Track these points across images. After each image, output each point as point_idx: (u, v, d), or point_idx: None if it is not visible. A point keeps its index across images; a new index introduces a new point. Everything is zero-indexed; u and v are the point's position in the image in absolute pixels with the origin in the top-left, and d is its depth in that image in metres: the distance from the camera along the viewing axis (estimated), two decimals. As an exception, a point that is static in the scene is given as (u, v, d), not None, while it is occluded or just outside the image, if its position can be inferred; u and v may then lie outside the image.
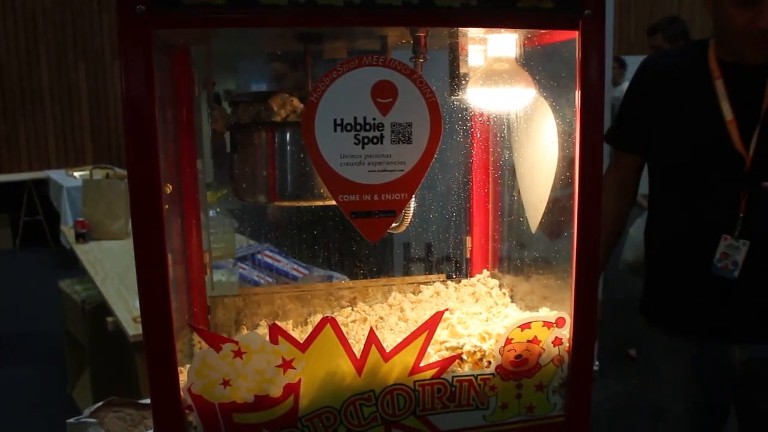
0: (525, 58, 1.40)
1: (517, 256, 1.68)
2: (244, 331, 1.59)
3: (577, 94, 1.28)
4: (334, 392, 1.25)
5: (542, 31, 1.37)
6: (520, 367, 1.32)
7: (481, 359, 1.32)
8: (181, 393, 1.20)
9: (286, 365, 1.21)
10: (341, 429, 1.26)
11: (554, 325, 1.33)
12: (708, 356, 2.00)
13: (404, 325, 1.53)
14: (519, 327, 1.31)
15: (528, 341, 1.31)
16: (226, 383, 1.20)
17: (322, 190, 1.33)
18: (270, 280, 2.99)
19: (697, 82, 1.92)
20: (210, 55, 1.50)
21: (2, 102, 8.54)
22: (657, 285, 2.13)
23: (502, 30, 1.33)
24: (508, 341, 1.30)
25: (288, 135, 1.35)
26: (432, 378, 1.28)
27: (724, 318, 1.95)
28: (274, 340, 1.21)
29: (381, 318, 1.59)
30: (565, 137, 1.36)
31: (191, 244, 1.55)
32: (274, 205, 1.45)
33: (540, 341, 1.32)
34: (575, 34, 1.26)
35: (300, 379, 1.22)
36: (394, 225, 1.32)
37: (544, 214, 1.45)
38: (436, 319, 1.27)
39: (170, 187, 1.29)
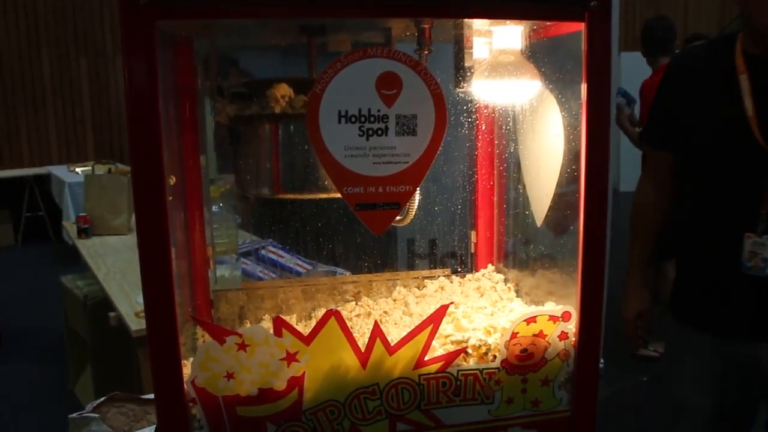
0: (531, 51, 1.39)
1: (523, 251, 1.67)
2: (248, 325, 1.59)
3: (583, 86, 1.27)
4: (338, 386, 1.24)
5: (548, 22, 1.36)
6: (525, 362, 1.31)
7: (486, 353, 1.31)
8: (185, 386, 1.20)
9: (290, 358, 1.21)
10: (345, 422, 1.26)
11: (560, 319, 1.32)
12: (739, 355, 1.97)
13: (409, 320, 1.53)
14: (525, 321, 1.30)
15: (534, 335, 1.31)
16: (230, 376, 1.19)
17: (326, 183, 1.33)
18: (273, 275, 2.98)
19: (723, 77, 1.90)
20: (213, 47, 1.49)
21: (3, 97, 8.53)
22: (687, 284, 2.09)
23: (508, 21, 1.32)
24: (514, 335, 1.30)
25: (292, 127, 1.34)
26: (437, 372, 1.28)
27: (758, 316, 1.93)
28: (278, 333, 1.20)
29: (385, 312, 1.59)
30: (570, 130, 1.35)
31: (194, 237, 1.55)
32: (264, 195, 1.43)
33: (546, 335, 1.31)
34: (581, 26, 1.25)
35: (304, 372, 1.22)
36: (398, 218, 1.31)
37: (550, 208, 1.44)
38: (441, 312, 1.27)
39: (174, 178, 1.28)
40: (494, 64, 1.36)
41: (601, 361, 4.10)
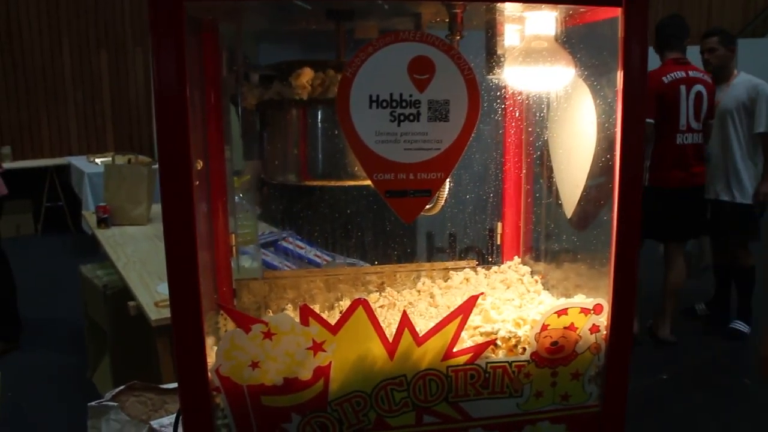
0: (565, 37, 1.36)
1: (551, 243, 1.64)
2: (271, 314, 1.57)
3: (619, 74, 1.23)
4: (365, 376, 1.22)
5: (583, 8, 1.32)
6: (555, 355, 1.28)
7: (515, 345, 1.29)
8: (209, 374, 1.18)
9: (317, 347, 1.19)
10: (371, 414, 1.23)
11: (591, 311, 1.29)
12: None
13: (435, 311, 1.50)
14: (555, 313, 1.27)
15: (564, 328, 1.28)
16: (254, 365, 1.17)
17: (355, 169, 1.30)
18: (293, 266, 2.97)
19: None
20: (239, 31, 1.47)
21: (25, 89, 8.59)
22: None
23: (543, 6, 1.29)
24: (544, 327, 1.27)
25: (320, 111, 1.32)
26: (465, 364, 1.25)
27: None
28: (304, 321, 1.18)
29: (410, 303, 1.56)
30: (605, 119, 1.31)
31: (218, 226, 1.52)
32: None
33: (577, 328, 1.28)
34: (618, 11, 1.22)
35: (330, 362, 1.20)
36: (428, 206, 1.29)
37: (581, 199, 1.41)
38: (471, 303, 1.24)
39: (201, 162, 1.26)
40: (528, 50, 1.32)
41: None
